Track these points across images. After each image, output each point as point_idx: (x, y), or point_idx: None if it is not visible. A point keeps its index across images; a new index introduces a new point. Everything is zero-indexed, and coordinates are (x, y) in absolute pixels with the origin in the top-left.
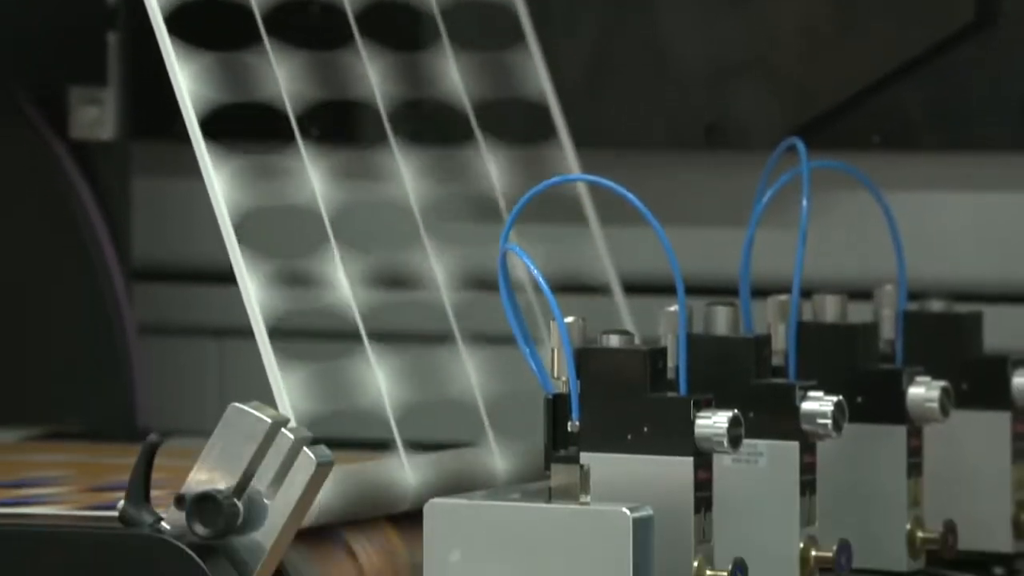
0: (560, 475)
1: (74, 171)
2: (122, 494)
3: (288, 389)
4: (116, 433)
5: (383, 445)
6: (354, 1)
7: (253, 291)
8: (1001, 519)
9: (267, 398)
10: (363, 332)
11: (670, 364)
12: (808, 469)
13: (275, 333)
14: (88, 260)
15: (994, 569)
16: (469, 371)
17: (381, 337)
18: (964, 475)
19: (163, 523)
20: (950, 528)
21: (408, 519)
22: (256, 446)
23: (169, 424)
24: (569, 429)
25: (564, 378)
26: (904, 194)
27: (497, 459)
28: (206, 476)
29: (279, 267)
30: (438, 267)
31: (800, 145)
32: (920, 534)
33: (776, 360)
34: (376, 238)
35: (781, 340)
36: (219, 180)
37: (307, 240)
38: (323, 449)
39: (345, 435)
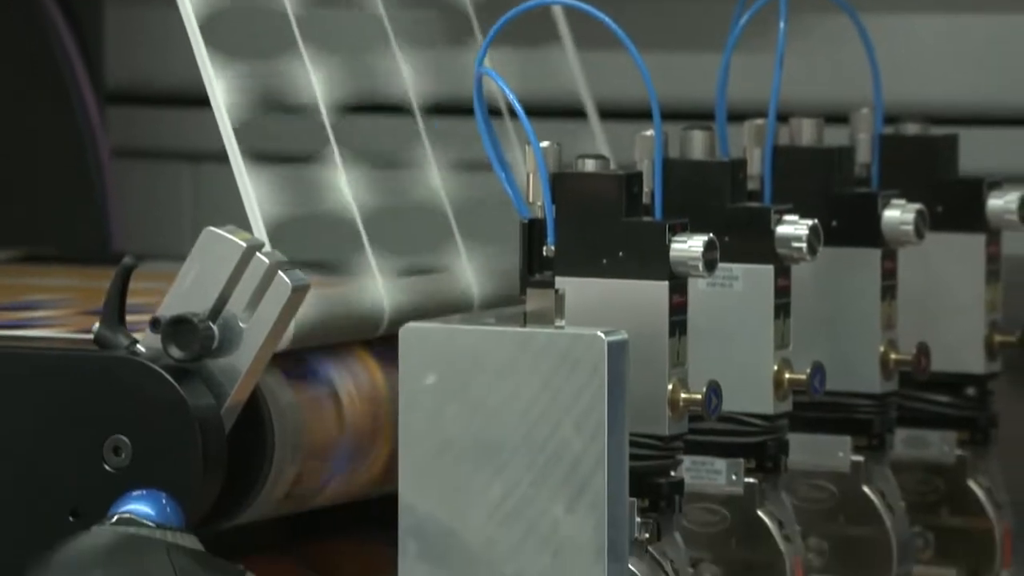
0: (535, 299)
1: None
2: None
3: (259, 200)
4: (91, 256)
5: (359, 271)
6: None
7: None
8: (974, 340)
9: (242, 223)
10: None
11: (645, 188)
12: (783, 292)
13: (242, 134)
14: (61, 83)
15: (966, 390)
16: (439, 187)
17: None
18: (938, 297)
19: (138, 346)
20: (923, 350)
21: (384, 344)
22: (231, 270)
23: (144, 248)
24: (544, 254)
25: (539, 203)
26: (881, 16)
27: (472, 284)
28: (181, 300)
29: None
30: (413, 88)
31: None
32: (893, 356)
33: (752, 184)
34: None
35: (757, 164)
36: None
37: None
38: (298, 273)
39: (321, 258)
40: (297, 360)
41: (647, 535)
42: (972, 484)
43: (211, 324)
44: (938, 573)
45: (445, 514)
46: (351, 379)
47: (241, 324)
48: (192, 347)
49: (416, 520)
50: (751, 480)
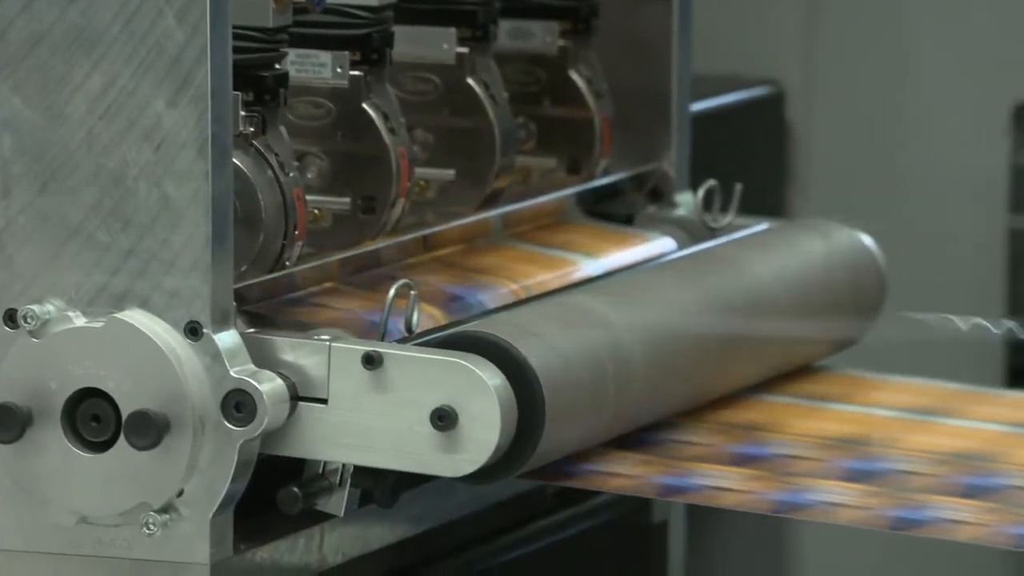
0: None
1: None
2: None
3: None
4: None
5: None
6: None
7: None
8: None
9: None
10: None
11: None
12: None
13: None
14: None
15: None
16: None
17: None
18: None
19: None
20: None
21: None
22: None
23: None
24: None
25: None
26: None
27: None
28: None
29: None
30: None
31: None
32: None
33: None
34: None
35: None
36: None
37: None
38: None
39: None
40: None
41: (251, 129)
42: (573, 74)
43: None
44: (540, 163)
45: (42, 108)
46: None
47: None
48: None
49: (10, 114)
50: (356, 73)
